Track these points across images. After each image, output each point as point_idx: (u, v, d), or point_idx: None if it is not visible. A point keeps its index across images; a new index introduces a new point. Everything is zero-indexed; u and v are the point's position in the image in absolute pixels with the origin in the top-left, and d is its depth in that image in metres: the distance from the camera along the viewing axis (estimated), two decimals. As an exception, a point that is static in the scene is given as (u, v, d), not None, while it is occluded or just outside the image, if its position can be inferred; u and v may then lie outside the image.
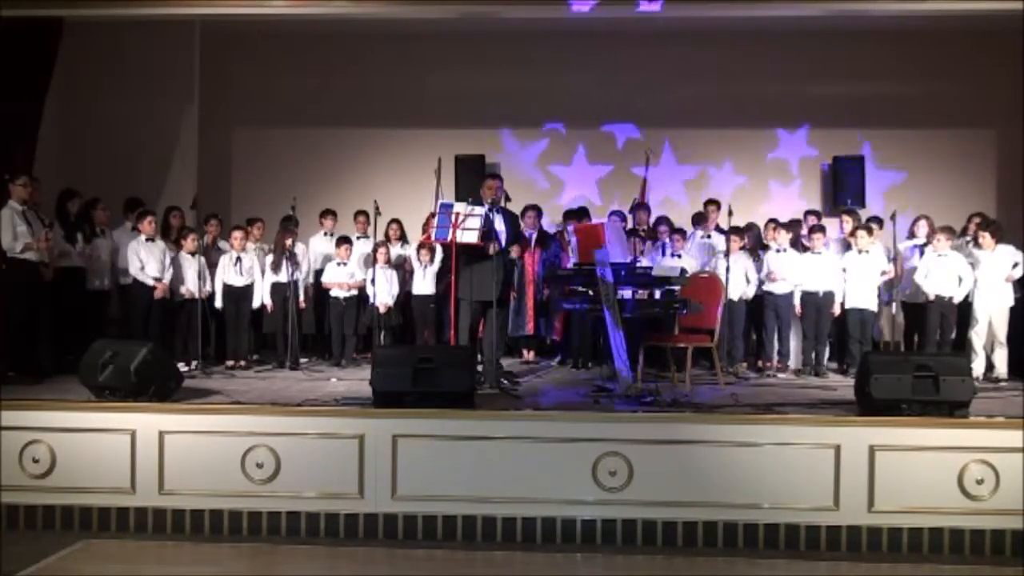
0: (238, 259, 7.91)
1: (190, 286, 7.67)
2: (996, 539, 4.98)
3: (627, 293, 6.78)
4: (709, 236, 8.44)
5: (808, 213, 8.84)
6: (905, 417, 5.11)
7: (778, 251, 7.81)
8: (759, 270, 7.84)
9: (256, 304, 7.97)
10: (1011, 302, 7.40)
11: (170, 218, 8.15)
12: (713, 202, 8.75)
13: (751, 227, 8.41)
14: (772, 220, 8.27)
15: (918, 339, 7.79)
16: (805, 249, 7.91)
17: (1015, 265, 7.38)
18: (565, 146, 10.32)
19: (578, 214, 8.51)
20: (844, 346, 7.76)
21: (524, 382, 6.97)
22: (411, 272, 8.35)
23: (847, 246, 8.01)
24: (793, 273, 7.69)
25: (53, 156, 8.26)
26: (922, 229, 7.98)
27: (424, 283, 8.19)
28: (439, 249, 8.05)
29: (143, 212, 7.69)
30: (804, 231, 8.33)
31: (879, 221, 8.39)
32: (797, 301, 7.72)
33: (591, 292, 6.23)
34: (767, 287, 7.77)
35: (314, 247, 8.58)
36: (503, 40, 9.70)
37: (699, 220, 8.58)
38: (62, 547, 4.95)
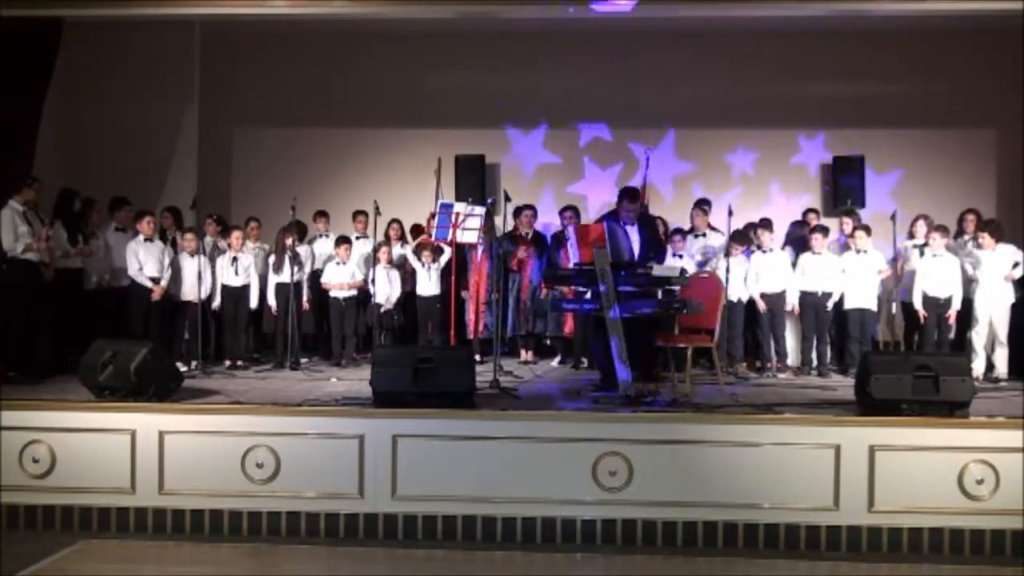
0: (235, 259, 7.89)
1: (189, 287, 7.65)
2: (996, 539, 4.99)
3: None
4: (704, 235, 8.40)
5: (808, 211, 8.84)
6: (905, 417, 5.12)
7: (764, 252, 7.80)
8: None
9: (254, 304, 7.97)
10: (1012, 301, 7.39)
11: (163, 219, 8.15)
12: (705, 201, 8.73)
13: (750, 227, 8.40)
14: (764, 220, 8.24)
15: (918, 339, 7.78)
16: (806, 248, 7.89)
17: (1015, 265, 7.36)
18: (566, 145, 10.31)
19: (574, 211, 8.45)
20: (844, 346, 7.76)
21: (523, 382, 6.97)
22: (412, 272, 8.33)
23: (846, 246, 8.01)
24: (780, 275, 7.68)
25: (53, 156, 8.26)
26: (920, 229, 7.97)
27: (429, 284, 8.17)
28: (447, 249, 8.03)
29: (141, 212, 7.67)
30: (806, 231, 8.31)
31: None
32: (795, 301, 7.72)
33: (591, 292, 6.22)
34: (754, 289, 7.76)
35: (313, 248, 8.57)
36: (503, 40, 9.68)
37: (702, 209, 8.49)
38: (62, 547, 4.96)
